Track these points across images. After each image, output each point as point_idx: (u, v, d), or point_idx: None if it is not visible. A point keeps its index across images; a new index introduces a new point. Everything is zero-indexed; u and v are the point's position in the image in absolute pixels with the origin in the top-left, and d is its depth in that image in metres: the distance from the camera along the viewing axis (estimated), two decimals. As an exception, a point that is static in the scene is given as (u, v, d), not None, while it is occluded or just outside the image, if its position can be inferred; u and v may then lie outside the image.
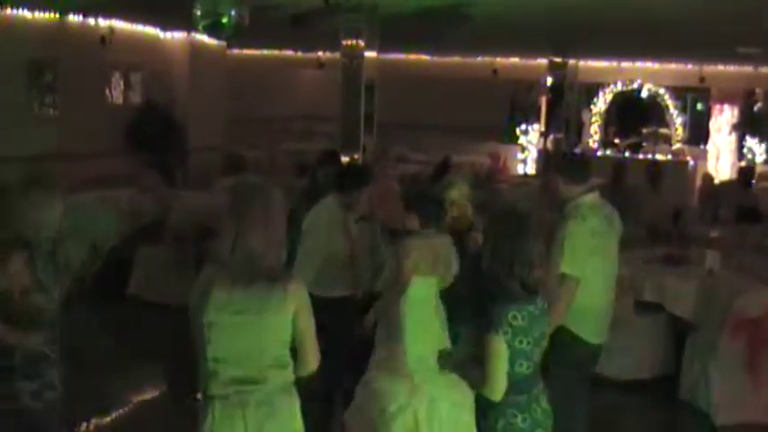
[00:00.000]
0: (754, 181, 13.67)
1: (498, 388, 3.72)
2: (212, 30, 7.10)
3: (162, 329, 9.07)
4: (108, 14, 13.28)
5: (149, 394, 7.70)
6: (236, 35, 7.50)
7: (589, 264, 5.37)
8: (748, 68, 17.12)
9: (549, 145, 17.44)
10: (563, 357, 5.13)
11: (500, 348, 3.67)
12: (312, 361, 3.76)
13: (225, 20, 6.89)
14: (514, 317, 3.68)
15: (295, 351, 3.71)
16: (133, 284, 9.99)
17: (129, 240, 10.03)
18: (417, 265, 5.02)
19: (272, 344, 3.63)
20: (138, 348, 8.60)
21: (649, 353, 7.78)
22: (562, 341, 5.20)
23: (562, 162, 5.89)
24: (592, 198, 5.57)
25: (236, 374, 3.60)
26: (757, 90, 19.37)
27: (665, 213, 10.38)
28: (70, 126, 12.86)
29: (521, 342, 3.69)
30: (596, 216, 5.54)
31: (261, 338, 3.60)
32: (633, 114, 19.95)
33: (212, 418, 3.60)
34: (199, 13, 6.96)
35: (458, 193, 5.93)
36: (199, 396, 3.81)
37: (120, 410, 7.04)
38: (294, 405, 3.74)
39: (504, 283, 3.76)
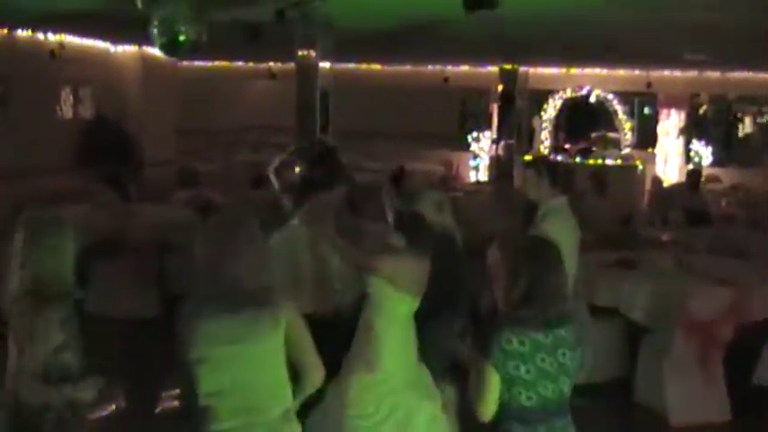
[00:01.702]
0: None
1: (484, 409, 3.66)
2: (170, 48, 7.07)
3: (122, 344, 9.03)
4: (58, 29, 13.17)
5: (109, 409, 7.63)
6: (194, 53, 7.48)
7: (572, 268, 5.55)
8: (694, 73, 17.44)
9: (501, 152, 17.62)
10: None
11: (486, 370, 3.59)
12: (316, 374, 3.76)
13: (182, 38, 6.86)
14: (509, 341, 3.56)
15: (295, 371, 3.69)
16: (91, 300, 9.91)
17: (84, 256, 9.93)
18: (395, 281, 4.91)
19: (268, 369, 3.61)
20: (97, 363, 8.52)
21: (604, 356, 7.86)
22: None
23: (544, 165, 6.01)
24: (562, 201, 5.77)
25: (234, 406, 3.56)
26: (702, 94, 19.77)
27: (615, 217, 10.55)
28: (20, 141, 12.74)
29: (516, 368, 3.57)
30: (568, 219, 5.75)
31: (256, 366, 3.57)
32: (582, 119, 20.22)
33: None
34: (156, 31, 6.92)
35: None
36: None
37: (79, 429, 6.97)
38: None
39: (518, 309, 3.64)
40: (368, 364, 4.96)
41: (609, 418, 7.66)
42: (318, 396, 5.04)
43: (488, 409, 3.63)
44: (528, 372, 3.56)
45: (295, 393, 3.76)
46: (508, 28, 10.80)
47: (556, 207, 5.84)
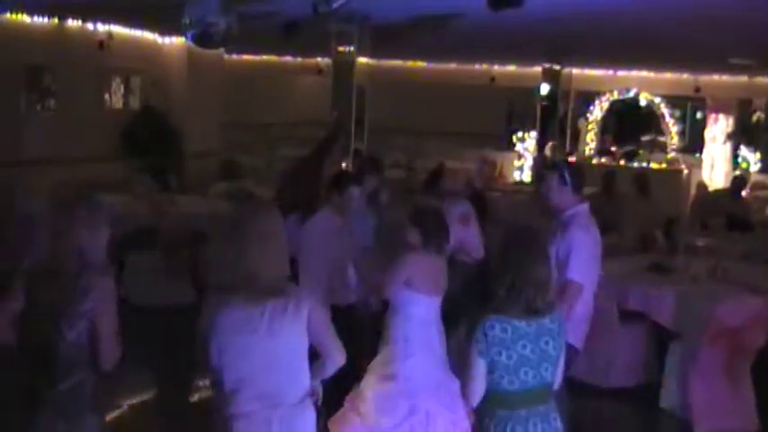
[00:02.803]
0: (747, 190, 13.76)
1: (470, 393, 3.78)
2: (200, 39, 7.16)
3: (154, 333, 9.17)
4: (106, 20, 13.36)
5: (144, 397, 7.75)
6: (225, 44, 7.56)
7: (589, 273, 5.64)
8: (743, 78, 17.20)
9: (548, 152, 17.52)
10: None
11: (471, 356, 3.72)
12: (338, 355, 3.85)
13: (213, 29, 6.94)
14: (491, 326, 3.67)
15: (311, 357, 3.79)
16: (126, 288, 10.04)
17: (121, 245, 10.09)
18: (410, 281, 4.94)
19: (290, 357, 3.71)
20: (131, 351, 8.64)
21: (632, 361, 7.84)
22: None
23: (567, 169, 5.91)
24: (587, 207, 5.79)
25: (257, 392, 3.66)
26: (755, 101, 19.47)
27: (657, 222, 10.44)
28: (68, 130, 12.96)
29: (499, 354, 3.67)
30: (593, 225, 5.73)
31: (280, 353, 3.67)
32: (631, 122, 20.02)
33: None
34: (187, 21, 7.00)
35: None
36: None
37: (115, 413, 7.08)
38: (312, 416, 3.84)
39: (504, 299, 3.73)
40: (386, 367, 4.99)
41: (635, 423, 7.66)
42: (339, 400, 5.12)
43: (475, 394, 3.75)
44: (509, 358, 3.67)
45: (314, 374, 3.86)
46: (551, 27, 10.76)
47: (577, 215, 5.70)
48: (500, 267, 3.79)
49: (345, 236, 6.24)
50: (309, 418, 3.83)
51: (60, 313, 3.78)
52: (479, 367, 3.70)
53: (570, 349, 5.62)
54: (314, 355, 3.82)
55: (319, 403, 3.96)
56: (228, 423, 3.68)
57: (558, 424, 3.88)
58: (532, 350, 3.71)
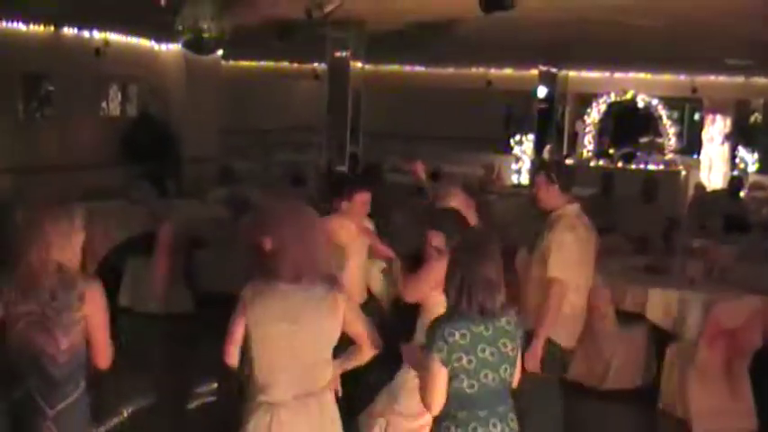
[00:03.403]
0: (744, 191, 13.78)
1: (429, 401, 3.76)
2: (193, 44, 7.18)
3: (154, 339, 9.18)
4: (102, 27, 13.38)
5: (141, 405, 7.74)
6: (218, 50, 7.57)
7: (575, 272, 5.67)
8: (740, 79, 17.22)
9: (546, 155, 17.56)
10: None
11: (430, 363, 3.70)
12: (375, 342, 4.03)
13: (206, 35, 6.94)
14: (451, 333, 3.66)
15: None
16: (124, 295, 10.06)
17: (120, 251, 10.11)
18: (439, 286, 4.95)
19: (324, 347, 3.86)
20: (130, 358, 8.65)
21: (630, 362, 7.83)
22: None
23: (555, 170, 5.99)
24: (576, 207, 5.83)
25: (289, 380, 3.78)
26: (753, 101, 19.49)
27: (656, 223, 10.45)
28: (65, 138, 12.99)
29: (459, 360, 3.66)
30: (581, 225, 5.75)
31: (314, 344, 3.83)
32: (629, 124, 20.05)
33: (277, 423, 3.77)
34: (180, 27, 7.01)
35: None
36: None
37: (113, 421, 7.08)
38: (333, 401, 3.99)
39: (455, 303, 3.76)
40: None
41: (633, 424, 7.67)
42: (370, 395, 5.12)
43: (437, 401, 3.74)
44: (470, 362, 3.68)
45: (346, 360, 4.07)
46: (546, 30, 10.78)
47: (566, 214, 5.76)
48: (452, 269, 3.83)
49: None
50: (333, 401, 3.97)
51: (54, 323, 3.80)
52: (442, 375, 3.70)
53: (559, 349, 5.74)
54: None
55: (339, 393, 4.07)
56: (267, 411, 3.79)
57: (515, 425, 3.91)
58: (491, 353, 3.72)
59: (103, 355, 3.99)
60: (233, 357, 3.89)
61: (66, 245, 3.91)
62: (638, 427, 7.61)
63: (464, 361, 3.67)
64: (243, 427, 3.84)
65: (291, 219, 3.90)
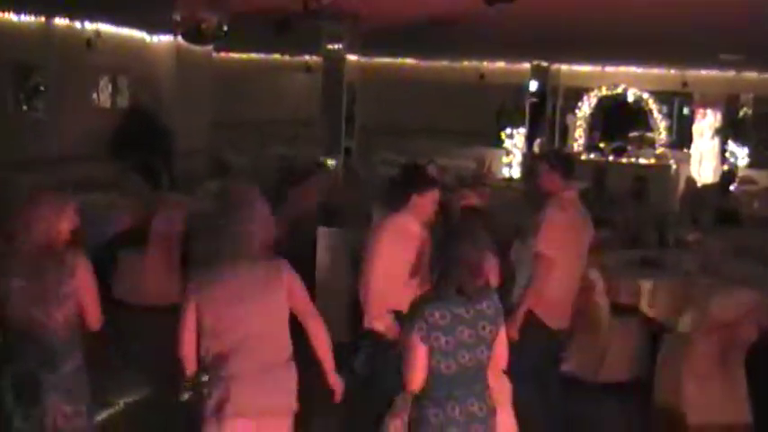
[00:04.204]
0: (735, 185, 13.82)
1: (409, 379, 3.88)
2: (191, 36, 7.15)
3: (147, 331, 9.14)
4: (94, 18, 13.32)
5: (135, 396, 7.71)
6: (216, 41, 7.55)
7: (563, 252, 5.83)
8: (730, 73, 17.26)
9: (537, 148, 17.57)
10: (530, 343, 5.59)
11: (411, 341, 3.83)
12: (317, 321, 4.27)
13: (204, 26, 6.92)
14: (431, 314, 3.79)
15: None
16: (116, 287, 10.03)
17: (111, 243, 10.06)
18: None
19: (275, 321, 4.10)
20: (122, 351, 8.63)
21: (625, 355, 7.85)
22: (529, 327, 5.71)
23: (555, 157, 6.29)
24: (572, 194, 6.07)
25: (246, 355, 4.03)
26: (742, 96, 19.55)
27: (648, 217, 10.48)
28: (57, 129, 12.92)
29: (437, 339, 3.79)
30: (575, 210, 5.95)
31: (266, 319, 4.08)
32: (620, 118, 20.08)
33: (235, 395, 4.03)
34: (178, 18, 6.99)
35: None
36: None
37: (107, 413, 7.05)
38: (295, 377, 4.24)
39: (437, 285, 3.91)
40: None
41: (628, 417, 7.66)
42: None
43: (417, 378, 3.86)
44: (447, 343, 3.82)
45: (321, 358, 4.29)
46: (538, 24, 10.78)
47: (566, 198, 5.98)
48: (436, 252, 4.02)
49: None
50: (294, 378, 4.20)
51: (48, 297, 4.13)
52: (421, 353, 3.82)
53: (548, 331, 5.89)
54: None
55: (338, 398, 4.32)
56: (224, 384, 4.02)
57: (492, 404, 4.02)
58: (470, 335, 3.85)
59: (95, 318, 4.39)
60: (188, 345, 4.13)
61: (58, 225, 4.21)
62: (632, 419, 7.60)
63: (442, 341, 3.80)
64: (206, 402, 4.06)
65: (230, 201, 4.18)
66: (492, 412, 4.02)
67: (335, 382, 4.32)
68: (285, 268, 4.15)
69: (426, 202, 5.32)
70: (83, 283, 4.23)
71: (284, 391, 4.17)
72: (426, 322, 3.79)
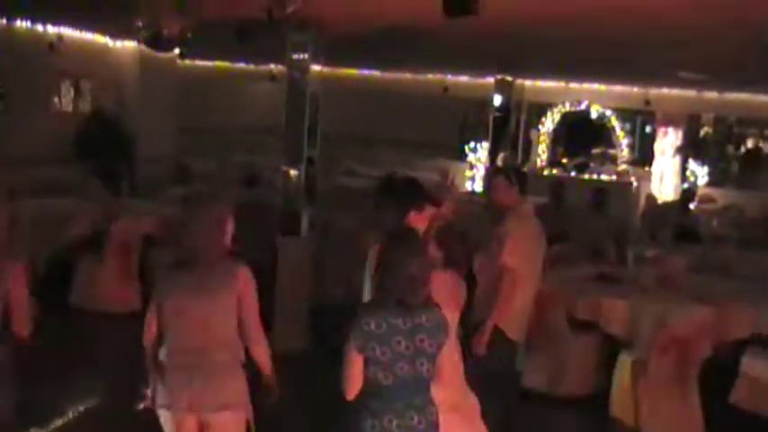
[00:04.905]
0: (695, 203, 13.98)
1: (346, 386, 3.88)
2: (152, 42, 7.12)
3: (104, 338, 9.05)
4: (56, 22, 13.21)
5: (90, 404, 7.62)
6: (178, 48, 7.51)
7: (526, 264, 6.01)
8: (692, 93, 17.46)
9: (500, 163, 17.60)
10: (491, 355, 5.76)
11: (349, 352, 3.84)
12: (256, 333, 4.41)
13: (165, 32, 6.90)
14: (367, 322, 3.81)
15: None
16: (73, 293, 9.93)
17: (71, 249, 9.97)
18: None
19: (221, 320, 4.32)
20: (79, 357, 8.54)
21: (584, 369, 7.89)
22: (491, 339, 5.82)
23: (514, 173, 6.40)
24: (528, 207, 6.31)
25: (187, 346, 4.30)
26: (704, 116, 19.79)
27: (607, 231, 10.55)
28: (17, 132, 12.78)
29: (373, 350, 3.80)
30: (532, 222, 6.21)
31: (212, 316, 4.30)
32: (582, 135, 20.22)
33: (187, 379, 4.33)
34: (140, 24, 6.96)
35: None
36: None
37: (60, 420, 6.97)
38: (239, 385, 4.45)
39: (376, 294, 3.96)
40: None
41: (585, 431, 7.70)
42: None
43: (352, 387, 3.87)
44: (384, 353, 3.82)
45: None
46: (503, 38, 10.83)
47: (522, 211, 6.15)
48: (378, 263, 3.99)
49: None
50: (236, 384, 4.38)
51: None
52: (357, 362, 3.83)
53: (508, 341, 5.97)
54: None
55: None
56: (171, 378, 4.32)
57: (434, 419, 4.01)
58: (407, 346, 3.85)
59: (23, 325, 4.68)
60: (150, 333, 4.40)
61: None
62: (589, 433, 7.66)
63: (378, 352, 3.80)
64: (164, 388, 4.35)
65: (191, 211, 4.48)
66: (433, 427, 4.00)
67: (273, 385, 4.54)
68: (243, 273, 4.33)
69: (422, 219, 5.15)
70: (13, 288, 4.54)
71: (227, 391, 4.34)
72: (362, 331, 3.80)
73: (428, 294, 3.98)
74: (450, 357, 4.43)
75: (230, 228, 4.47)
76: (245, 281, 4.34)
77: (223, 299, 4.28)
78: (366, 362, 3.81)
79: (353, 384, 3.85)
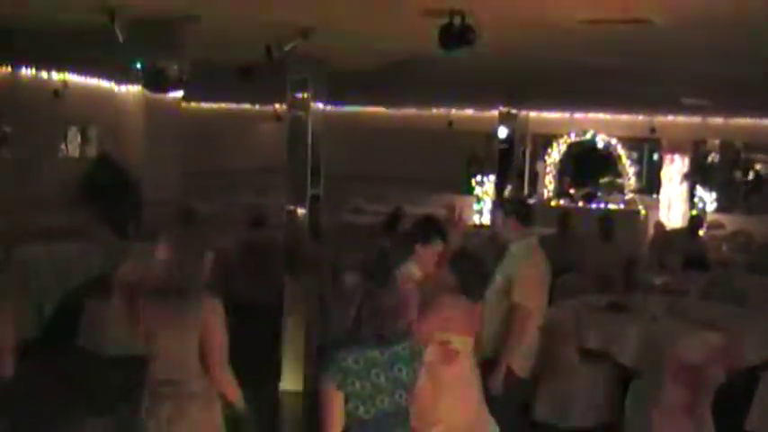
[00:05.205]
0: (703, 230, 13.92)
1: (326, 426, 3.81)
2: (152, 84, 7.16)
3: (110, 382, 9.00)
4: (60, 68, 13.32)
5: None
6: (177, 89, 7.54)
7: (536, 300, 6.01)
8: (697, 119, 17.46)
9: (507, 195, 17.58)
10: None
11: (328, 391, 3.77)
12: (216, 370, 4.50)
13: (165, 75, 6.93)
14: (344, 358, 3.76)
15: None
16: (82, 336, 9.92)
17: (78, 293, 9.97)
18: (447, 323, 4.89)
19: (188, 349, 4.47)
20: (86, 401, 8.51)
21: (593, 400, 7.82)
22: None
23: (517, 205, 6.48)
24: (533, 240, 6.18)
25: (163, 376, 4.53)
26: (710, 142, 19.78)
27: (615, 262, 10.51)
28: (24, 179, 12.85)
29: (353, 384, 3.75)
30: (538, 256, 6.14)
31: (180, 344, 4.49)
32: (589, 164, 20.23)
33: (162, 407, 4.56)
34: (138, 66, 7.01)
35: None
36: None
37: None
38: (212, 416, 4.60)
39: (352, 328, 3.87)
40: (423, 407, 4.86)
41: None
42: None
43: (334, 426, 3.80)
44: (363, 387, 3.77)
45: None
46: (506, 71, 10.87)
47: (522, 246, 6.05)
48: (353, 297, 3.94)
49: None
50: (203, 413, 4.50)
51: None
52: (338, 400, 3.77)
53: (518, 380, 5.93)
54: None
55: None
56: (157, 398, 4.54)
57: None
58: (386, 378, 3.83)
59: (5, 366, 4.90)
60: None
61: None
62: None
63: (357, 386, 3.76)
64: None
65: (169, 242, 4.66)
66: None
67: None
68: (209, 305, 4.47)
69: (429, 253, 5.23)
70: None
71: (197, 407, 4.48)
72: (340, 368, 3.75)
73: (408, 325, 4.01)
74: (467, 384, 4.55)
75: (209, 264, 4.61)
76: (209, 312, 4.46)
77: (184, 330, 4.44)
78: (346, 398, 3.76)
79: (336, 422, 3.78)
